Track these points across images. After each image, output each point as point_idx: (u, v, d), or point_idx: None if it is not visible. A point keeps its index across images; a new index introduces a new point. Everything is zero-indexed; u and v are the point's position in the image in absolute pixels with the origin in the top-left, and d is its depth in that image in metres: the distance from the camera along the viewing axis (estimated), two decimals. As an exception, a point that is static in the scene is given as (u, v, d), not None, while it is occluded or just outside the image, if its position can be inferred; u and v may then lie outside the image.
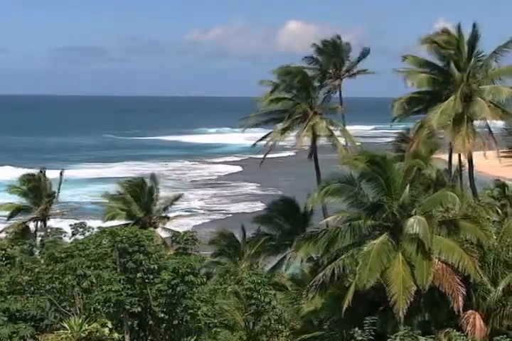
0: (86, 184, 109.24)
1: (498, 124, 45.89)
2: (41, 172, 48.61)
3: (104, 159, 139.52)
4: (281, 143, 47.94)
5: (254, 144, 48.13)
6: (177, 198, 48.13)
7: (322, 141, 47.93)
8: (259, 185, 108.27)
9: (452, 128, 39.08)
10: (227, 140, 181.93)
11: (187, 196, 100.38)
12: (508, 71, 40.00)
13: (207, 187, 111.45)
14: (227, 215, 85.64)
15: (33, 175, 48.65)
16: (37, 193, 47.98)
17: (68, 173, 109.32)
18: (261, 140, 47.36)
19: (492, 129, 43.04)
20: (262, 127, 48.57)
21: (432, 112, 39.12)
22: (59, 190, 48.69)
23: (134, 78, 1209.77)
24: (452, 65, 39.46)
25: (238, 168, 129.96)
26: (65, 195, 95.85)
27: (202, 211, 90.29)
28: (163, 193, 48.91)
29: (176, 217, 51.05)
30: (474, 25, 40.01)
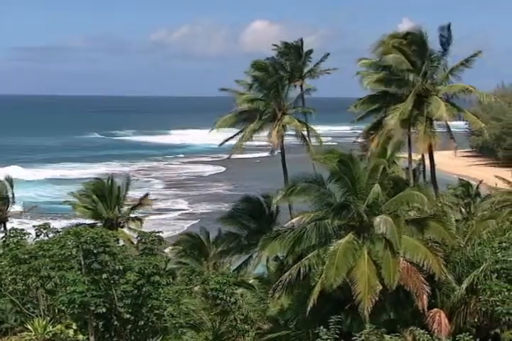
0: (49, 184, 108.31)
1: (460, 125, 46.77)
2: None
3: (73, 159, 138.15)
4: (265, 143, 48.14)
5: (221, 144, 48.25)
6: (144, 198, 47.91)
7: (290, 140, 48.22)
8: (242, 184, 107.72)
9: (410, 128, 39.67)
10: (194, 140, 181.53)
11: (171, 196, 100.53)
12: (459, 66, 40.72)
13: (192, 187, 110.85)
14: (213, 215, 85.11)
15: None
16: None
17: (29, 174, 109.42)
18: (228, 140, 47.53)
19: (454, 129, 43.77)
20: (234, 127, 48.62)
21: (389, 113, 39.64)
22: (13, 193, 48.35)
23: (100, 78, 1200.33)
24: (406, 64, 39.94)
25: (221, 168, 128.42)
26: (33, 195, 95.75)
27: (188, 211, 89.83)
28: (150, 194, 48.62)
29: (144, 217, 50.91)
30: (418, 27, 40.74)
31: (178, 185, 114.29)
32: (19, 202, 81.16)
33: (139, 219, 46.67)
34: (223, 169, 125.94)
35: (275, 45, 52.19)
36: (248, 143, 48.58)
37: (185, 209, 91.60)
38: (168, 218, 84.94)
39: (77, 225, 42.76)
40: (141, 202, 47.45)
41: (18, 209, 51.40)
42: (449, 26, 40.00)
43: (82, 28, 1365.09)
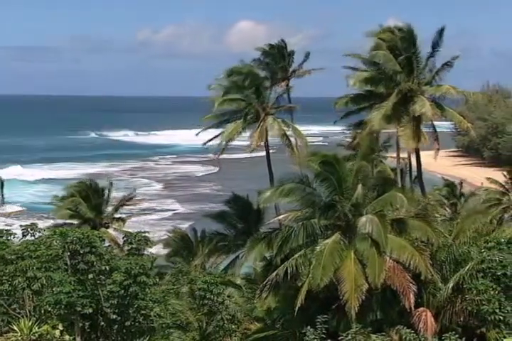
0: (41, 184, 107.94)
1: (447, 124, 47.07)
2: None
3: (59, 160, 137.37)
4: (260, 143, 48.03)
5: (204, 144, 48.34)
6: (129, 199, 47.80)
7: (277, 140, 48.30)
8: (235, 185, 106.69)
9: (397, 127, 39.79)
10: (184, 140, 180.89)
11: (165, 197, 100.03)
12: (443, 67, 40.96)
13: (185, 188, 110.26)
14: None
15: None
16: None
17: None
18: (212, 140, 47.63)
19: (441, 129, 44.03)
20: (216, 128, 48.60)
21: (374, 112, 39.72)
22: (2, 193, 48.12)
23: (86, 78, 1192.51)
24: (393, 62, 40.05)
25: (214, 169, 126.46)
26: (25, 195, 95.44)
27: (182, 212, 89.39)
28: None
29: (129, 216, 50.88)
30: (407, 25, 40.87)
31: (173, 185, 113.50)
32: (16, 203, 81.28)
33: (122, 220, 46.65)
34: (216, 169, 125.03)
35: (259, 48, 52.33)
36: (240, 143, 48.58)
37: (177, 210, 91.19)
38: (161, 218, 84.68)
39: (57, 225, 42.84)
40: (125, 202, 47.31)
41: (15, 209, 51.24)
42: (442, 29, 40.26)
43: (65, 27, 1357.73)
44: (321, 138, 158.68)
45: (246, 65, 47.19)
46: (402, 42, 40.46)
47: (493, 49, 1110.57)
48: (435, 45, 40.60)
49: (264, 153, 49.38)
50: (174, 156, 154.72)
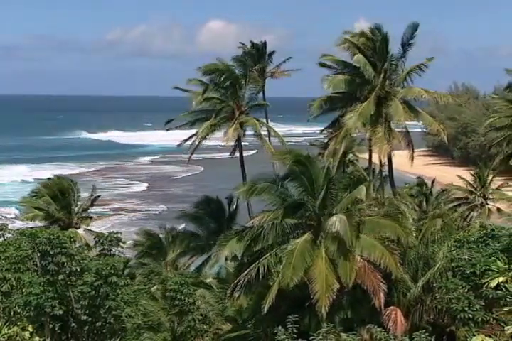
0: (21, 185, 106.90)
1: (417, 124, 47.29)
2: None
3: (32, 160, 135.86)
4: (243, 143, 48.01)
5: (179, 145, 48.21)
6: (95, 198, 47.47)
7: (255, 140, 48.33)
8: (221, 184, 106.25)
9: (370, 129, 40.00)
10: (151, 140, 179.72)
11: (146, 197, 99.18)
12: (416, 69, 41.18)
13: (169, 188, 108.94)
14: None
15: None
16: None
17: None
18: (187, 140, 47.51)
19: (412, 129, 44.33)
20: (189, 127, 48.41)
21: (349, 114, 39.90)
22: None
23: (52, 77, 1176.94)
24: (368, 66, 40.21)
25: (198, 168, 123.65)
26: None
27: (169, 212, 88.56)
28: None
29: (100, 217, 50.51)
30: (379, 27, 40.92)
31: (156, 185, 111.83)
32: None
33: (91, 218, 46.43)
34: (201, 169, 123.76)
35: (241, 43, 52.32)
36: (224, 142, 48.33)
37: (162, 210, 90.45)
38: (138, 219, 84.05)
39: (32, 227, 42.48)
40: (92, 202, 47.02)
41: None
42: (416, 28, 40.19)
43: (28, 26, 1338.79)
44: (303, 138, 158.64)
45: (223, 63, 47.06)
46: (375, 44, 40.57)
47: (462, 48, 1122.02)
48: (405, 44, 40.73)
49: (249, 153, 49.28)
50: (158, 156, 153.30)
